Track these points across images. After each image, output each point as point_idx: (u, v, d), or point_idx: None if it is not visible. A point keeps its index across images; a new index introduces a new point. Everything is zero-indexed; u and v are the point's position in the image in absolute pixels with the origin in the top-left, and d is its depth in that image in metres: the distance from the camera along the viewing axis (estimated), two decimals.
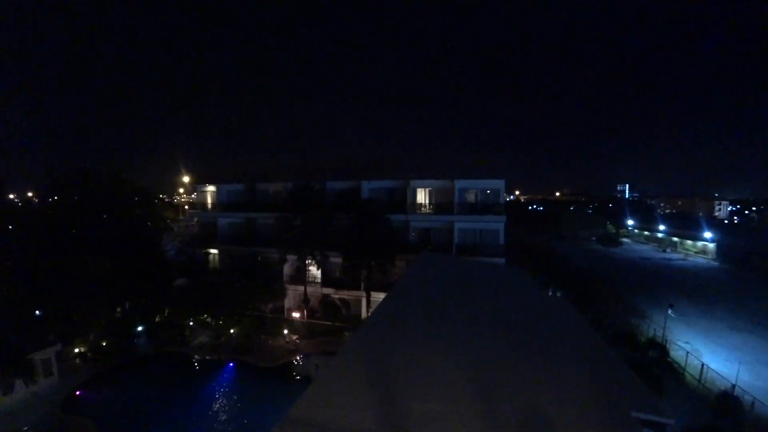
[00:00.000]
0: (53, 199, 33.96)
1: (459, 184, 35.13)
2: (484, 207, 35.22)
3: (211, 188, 45.75)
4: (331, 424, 8.96)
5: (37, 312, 27.94)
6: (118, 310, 33.04)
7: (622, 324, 33.30)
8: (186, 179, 53.78)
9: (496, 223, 34.67)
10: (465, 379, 10.97)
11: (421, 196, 37.40)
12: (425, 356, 12.32)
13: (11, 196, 25.63)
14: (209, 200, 46.44)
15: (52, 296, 26.28)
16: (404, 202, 36.41)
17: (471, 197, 36.31)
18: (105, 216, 32.94)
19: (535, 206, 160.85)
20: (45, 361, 26.04)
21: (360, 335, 15.48)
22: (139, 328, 33.17)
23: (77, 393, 25.75)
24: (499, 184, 35.06)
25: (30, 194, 54.32)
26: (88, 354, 29.79)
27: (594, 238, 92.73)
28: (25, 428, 21.15)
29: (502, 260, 33.41)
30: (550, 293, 33.45)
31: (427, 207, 37.11)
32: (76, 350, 29.73)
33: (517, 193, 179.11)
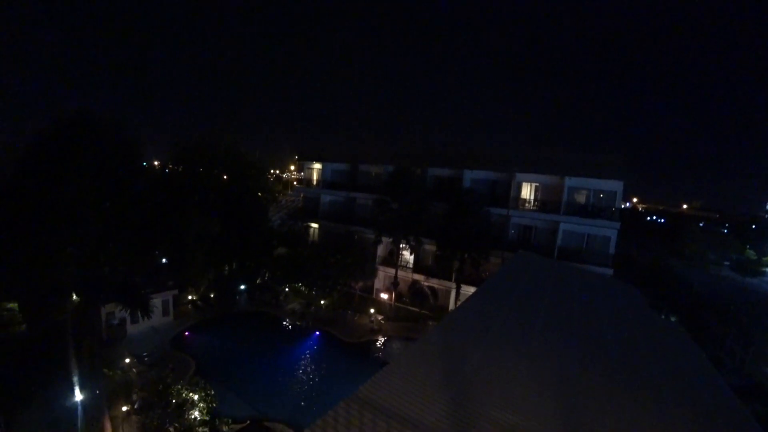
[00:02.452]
0: (178, 166, 38.01)
1: (569, 181, 32.15)
2: (595, 210, 31.89)
3: (317, 166, 47.94)
4: (397, 411, 8.60)
5: (163, 260, 31.96)
6: (226, 268, 36.33)
7: (752, 372, 28.02)
8: (296, 157, 56.83)
9: (608, 229, 31.21)
10: (548, 396, 9.76)
11: (526, 191, 35.09)
12: (507, 362, 11.33)
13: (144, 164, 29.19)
14: (314, 177, 48.71)
15: (172, 249, 29.71)
16: (507, 195, 34.48)
17: (581, 198, 33.12)
18: (221, 185, 36.11)
19: (654, 217, 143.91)
20: (165, 303, 29.90)
21: (443, 327, 14.89)
22: (242, 287, 36.21)
23: (185, 333, 29.01)
24: (615, 185, 31.35)
25: (156, 163, 61.35)
26: (198, 302, 33.39)
27: (727, 263, 79.97)
28: (144, 354, 24.52)
29: (609, 271, 30.16)
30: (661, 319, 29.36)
31: (531, 203, 34.73)
32: (190, 297, 33.41)
33: (634, 200, 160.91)
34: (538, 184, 34.55)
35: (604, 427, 8.82)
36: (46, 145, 17.60)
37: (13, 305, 26.51)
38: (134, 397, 19.56)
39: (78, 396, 18.50)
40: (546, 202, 33.75)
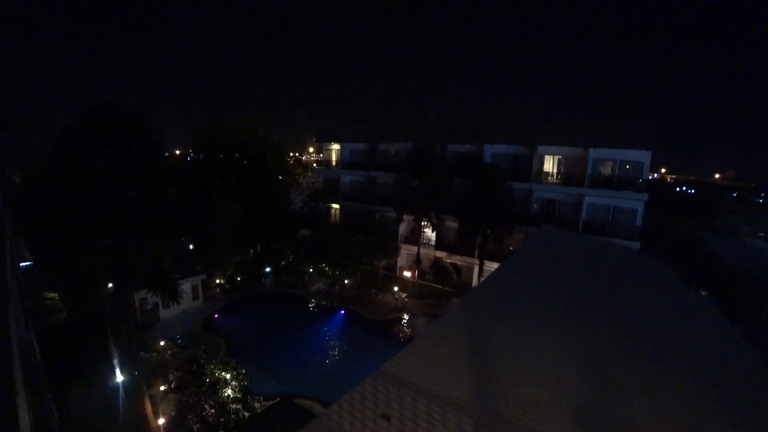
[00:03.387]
0: (198, 153, 38.61)
1: (594, 153, 31.22)
2: (621, 181, 30.96)
3: (335, 147, 47.90)
4: (421, 385, 8.69)
5: (190, 246, 32.85)
6: (251, 251, 37.12)
7: None
8: (314, 139, 57.00)
9: (635, 201, 30.31)
10: (573, 371, 9.67)
11: (549, 165, 34.33)
12: (531, 338, 11.26)
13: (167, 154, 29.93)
14: (334, 158, 48.77)
15: (198, 234, 30.49)
16: (529, 169, 33.84)
17: (607, 169, 32.16)
18: (241, 169, 36.56)
19: (684, 188, 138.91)
20: (194, 287, 30.77)
21: (466, 303, 14.91)
22: (267, 269, 36.96)
23: (215, 316, 29.93)
24: (642, 155, 30.16)
25: (177, 152, 62.57)
26: (226, 286, 34.31)
27: (762, 235, 76.54)
28: (177, 336, 25.51)
29: (636, 245, 29.51)
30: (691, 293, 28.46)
31: (554, 177, 33.99)
32: (217, 281, 34.34)
33: (663, 170, 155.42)
34: (561, 157, 33.75)
35: (631, 402, 8.74)
36: (72, 137, 18.17)
37: (54, 295, 27.91)
38: (170, 377, 20.40)
39: (119, 377, 19.48)
40: (570, 175, 32.98)
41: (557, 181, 33.81)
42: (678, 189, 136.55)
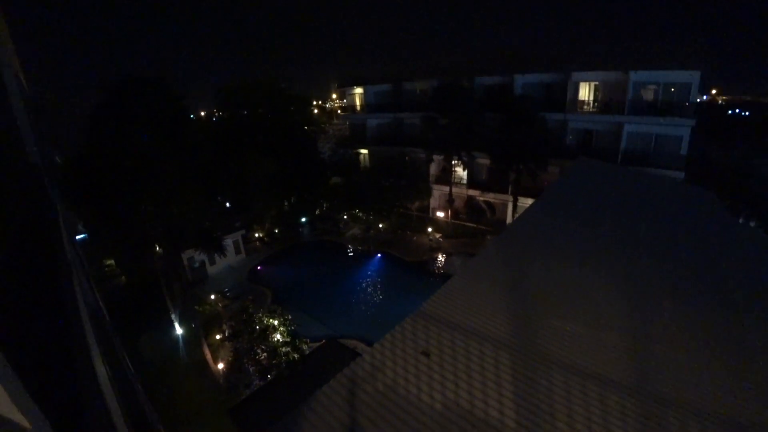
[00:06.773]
0: (223, 113, 38.69)
1: (635, 76, 28.78)
2: (666, 106, 28.64)
3: (358, 91, 46.60)
4: (459, 323, 8.96)
5: (227, 204, 33.94)
6: (286, 204, 37.95)
7: None
8: (336, 85, 55.77)
9: (680, 128, 28.08)
10: (612, 306, 9.66)
11: (584, 92, 32.22)
12: (569, 273, 11.21)
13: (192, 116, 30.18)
14: (358, 103, 47.64)
15: (234, 192, 31.33)
16: (563, 99, 31.87)
17: (649, 94, 29.85)
18: (268, 124, 36.59)
19: (737, 110, 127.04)
20: (235, 243, 32.02)
21: (502, 240, 14.91)
22: (303, 220, 37.95)
23: (258, 267, 31.31)
24: (689, 76, 27.48)
25: (203, 113, 63.10)
26: (265, 238, 35.67)
27: None
28: (225, 289, 26.98)
29: (680, 175, 27.78)
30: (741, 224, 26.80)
31: (591, 105, 32.08)
32: (257, 235, 35.66)
33: (713, 91, 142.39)
34: (597, 83, 31.60)
35: (674, 338, 8.69)
36: (103, 112, 18.84)
37: (111, 261, 30.05)
38: (224, 326, 21.81)
39: (178, 329, 21.13)
40: (608, 102, 30.87)
41: (594, 109, 31.94)
42: (730, 111, 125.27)
